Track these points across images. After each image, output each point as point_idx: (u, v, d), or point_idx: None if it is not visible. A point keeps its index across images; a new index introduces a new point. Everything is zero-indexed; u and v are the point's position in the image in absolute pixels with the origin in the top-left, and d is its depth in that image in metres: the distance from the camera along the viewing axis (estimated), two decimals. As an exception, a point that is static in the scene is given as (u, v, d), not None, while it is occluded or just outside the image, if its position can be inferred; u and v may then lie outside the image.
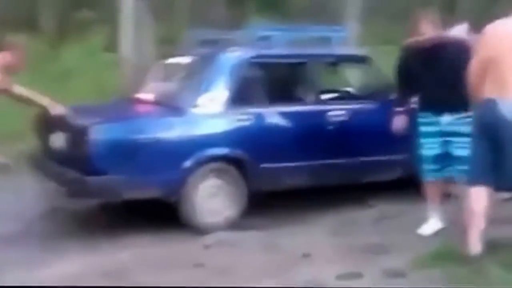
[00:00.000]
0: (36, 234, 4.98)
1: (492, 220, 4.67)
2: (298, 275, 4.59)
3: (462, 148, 5.15)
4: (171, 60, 6.73)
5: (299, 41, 6.55)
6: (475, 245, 4.53)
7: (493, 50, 4.52)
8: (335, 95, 6.90)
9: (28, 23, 14.57)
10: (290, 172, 5.94)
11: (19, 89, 5.48)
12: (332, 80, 7.37)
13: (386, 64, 6.29)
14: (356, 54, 6.77)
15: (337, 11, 12.51)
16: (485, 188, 4.60)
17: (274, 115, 6.01)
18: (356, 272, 4.61)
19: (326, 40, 6.59)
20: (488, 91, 4.54)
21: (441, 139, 5.33)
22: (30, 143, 6.95)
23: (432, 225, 5.45)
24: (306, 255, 5.00)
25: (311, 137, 6.01)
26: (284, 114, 6.05)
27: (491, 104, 4.51)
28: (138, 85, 7.01)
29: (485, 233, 4.57)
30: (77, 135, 5.42)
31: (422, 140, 5.39)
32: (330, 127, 6.10)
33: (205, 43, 6.57)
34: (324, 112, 6.14)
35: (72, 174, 5.41)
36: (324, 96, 6.47)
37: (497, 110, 4.47)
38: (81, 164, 5.36)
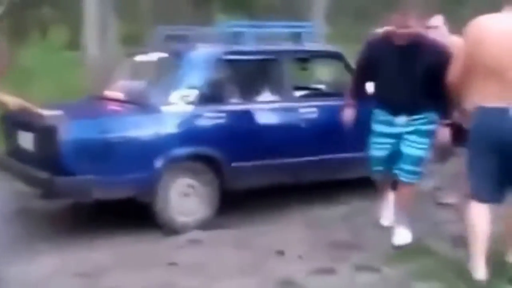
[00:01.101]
0: (6, 235, 4.86)
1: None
2: (271, 272, 4.61)
3: (412, 148, 5.02)
4: (139, 57, 6.62)
5: (269, 38, 6.51)
6: (481, 269, 4.23)
7: (495, 56, 4.13)
8: (307, 92, 6.89)
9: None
10: (263, 170, 5.91)
11: None
12: (303, 77, 7.36)
13: (352, 62, 6.31)
14: (327, 50, 6.75)
15: (302, 9, 12.57)
16: (488, 206, 4.25)
17: (246, 112, 5.99)
18: (329, 268, 4.65)
19: (296, 37, 6.55)
20: (491, 99, 4.14)
21: (393, 140, 5.10)
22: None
23: (387, 222, 5.47)
24: (279, 252, 5.01)
25: (283, 134, 6.00)
26: (256, 112, 6.03)
27: (502, 113, 4.12)
28: (104, 83, 6.89)
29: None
30: (45, 134, 5.31)
31: (374, 139, 5.20)
32: (302, 125, 6.09)
33: (171, 39, 6.48)
34: (296, 109, 6.14)
35: (41, 174, 5.31)
36: (296, 93, 6.45)
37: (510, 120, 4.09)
38: (50, 164, 5.27)
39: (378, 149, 5.18)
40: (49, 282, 4.50)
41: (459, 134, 4.72)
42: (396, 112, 5.03)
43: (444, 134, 5.00)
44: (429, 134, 5.05)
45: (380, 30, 5.29)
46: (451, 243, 5.03)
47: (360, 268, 4.64)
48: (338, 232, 5.48)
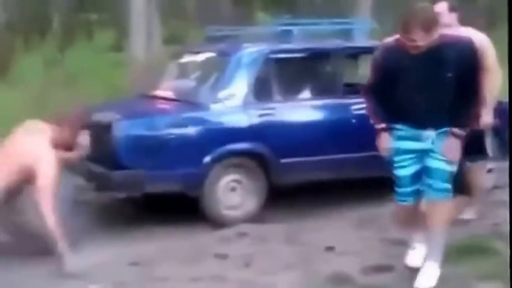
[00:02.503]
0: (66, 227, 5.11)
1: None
2: (321, 267, 4.63)
3: (441, 161, 4.29)
4: (187, 57, 6.83)
5: (318, 35, 6.61)
6: None
7: None
8: (357, 88, 6.90)
9: (37, 26, 14.76)
10: (311, 166, 6.02)
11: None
12: (353, 73, 7.28)
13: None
14: (377, 46, 6.77)
15: (346, 6, 12.61)
16: None
17: (294, 109, 6.13)
18: (384, 265, 4.55)
19: (346, 33, 6.62)
20: None
21: (418, 155, 4.37)
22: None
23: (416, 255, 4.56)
24: (329, 248, 5.03)
25: (331, 130, 6.08)
26: (304, 108, 6.17)
27: None
28: (151, 83, 7.13)
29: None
30: (102, 131, 5.55)
31: (397, 158, 4.42)
32: (352, 120, 6.14)
33: (216, 39, 6.65)
34: (346, 105, 6.20)
35: (97, 169, 5.57)
36: (346, 90, 6.48)
37: None
38: (105, 159, 5.51)
39: (402, 168, 4.42)
40: (106, 270, 4.69)
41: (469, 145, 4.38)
42: (423, 126, 4.33)
43: (455, 148, 4.27)
44: None
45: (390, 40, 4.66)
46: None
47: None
48: (390, 229, 5.21)
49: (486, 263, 4.51)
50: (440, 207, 4.30)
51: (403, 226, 4.63)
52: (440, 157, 4.26)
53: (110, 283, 4.47)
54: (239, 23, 9.08)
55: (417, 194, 4.41)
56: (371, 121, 4.53)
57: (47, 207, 4.65)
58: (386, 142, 4.44)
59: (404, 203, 4.42)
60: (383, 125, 4.44)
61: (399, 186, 4.42)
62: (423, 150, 4.31)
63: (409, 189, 4.40)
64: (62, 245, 4.70)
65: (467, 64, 4.17)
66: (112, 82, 11.06)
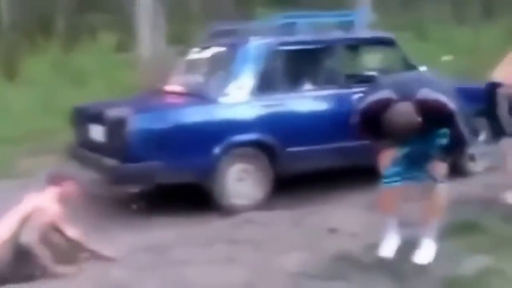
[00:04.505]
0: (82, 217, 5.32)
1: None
2: (326, 247, 4.87)
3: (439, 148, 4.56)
4: (196, 53, 7.05)
5: (320, 27, 6.76)
6: None
7: None
8: (361, 78, 6.84)
9: (42, 26, 14.93)
10: (317, 155, 6.22)
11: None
12: (357, 64, 7.52)
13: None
14: (380, 36, 6.94)
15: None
16: None
17: (300, 100, 6.36)
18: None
19: (347, 25, 6.76)
20: None
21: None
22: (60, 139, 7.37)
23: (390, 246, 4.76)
24: (332, 230, 5.30)
25: (336, 120, 6.22)
26: (309, 99, 6.40)
27: None
28: (159, 79, 7.36)
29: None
30: (115, 126, 5.79)
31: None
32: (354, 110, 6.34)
33: (222, 34, 6.81)
34: (350, 95, 6.33)
35: (111, 162, 5.80)
36: (350, 80, 6.64)
37: None
38: (119, 152, 5.75)
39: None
40: (126, 257, 4.92)
41: None
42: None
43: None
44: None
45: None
46: (502, 220, 5.23)
47: (413, 244, 4.65)
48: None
49: (474, 239, 4.80)
50: (435, 193, 4.57)
51: (386, 209, 4.77)
52: (438, 143, 4.49)
53: (133, 268, 4.70)
54: (242, 20, 9.24)
55: (404, 176, 4.60)
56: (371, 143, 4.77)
57: (63, 225, 4.77)
58: (391, 155, 4.61)
59: (390, 186, 4.63)
60: (377, 145, 4.64)
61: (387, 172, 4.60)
62: (415, 141, 4.49)
63: (396, 170, 4.59)
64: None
65: (447, 122, 4.41)
66: (119, 81, 11.27)
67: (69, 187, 4.96)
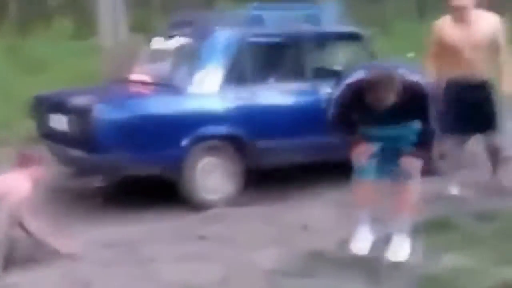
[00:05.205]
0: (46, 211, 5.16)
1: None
2: (298, 244, 4.82)
3: (405, 143, 4.59)
4: (158, 42, 6.86)
5: (289, 20, 6.60)
6: None
7: None
8: (329, 72, 6.81)
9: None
10: (287, 149, 6.13)
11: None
12: (326, 58, 7.41)
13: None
14: (350, 31, 6.87)
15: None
16: None
17: (269, 93, 6.25)
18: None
19: (315, 18, 6.68)
20: None
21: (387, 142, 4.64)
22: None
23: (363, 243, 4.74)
24: (306, 226, 5.24)
25: (305, 114, 6.17)
26: (278, 92, 6.29)
27: None
28: (123, 69, 7.15)
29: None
30: (80, 115, 5.61)
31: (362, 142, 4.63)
32: (323, 105, 6.30)
33: (185, 24, 6.64)
34: (318, 89, 6.28)
35: (76, 153, 5.64)
36: (318, 73, 6.55)
37: None
38: (84, 143, 5.58)
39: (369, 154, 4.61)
40: (89, 253, 4.75)
41: None
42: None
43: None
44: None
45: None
46: (475, 217, 5.23)
47: (386, 240, 4.66)
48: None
49: (449, 237, 4.81)
50: (407, 187, 4.57)
51: (361, 202, 4.75)
52: (407, 141, 4.49)
53: (100, 264, 4.56)
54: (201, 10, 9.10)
55: (377, 172, 4.59)
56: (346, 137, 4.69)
57: (26, 218, 4.62)
58: (366, 149, 4.56)
59: (364, 180, 4.62)
60: (357, 136, 4.57)
61: (361, 169, 4.59)
62: (389, 136, 4.53)
63: (370, 165, 4.57)
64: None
65: (422, 105, 4.44)
66: (78, 69, 11.02)
67: (40, 168, 4.82)
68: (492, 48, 5.71)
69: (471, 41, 5.62)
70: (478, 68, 5.69)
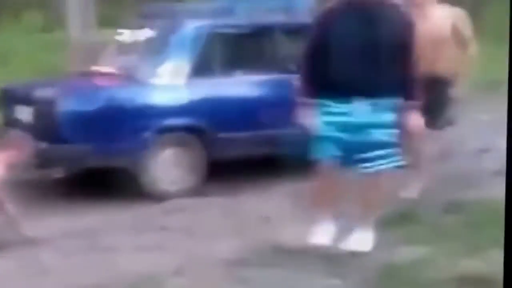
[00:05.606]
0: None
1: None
2: (259, 235, 4.83)
3: (377, 135, 4.29)
4: (126, 35, 6.84)
5: (261, 11, 6.61)
6: None
7: None
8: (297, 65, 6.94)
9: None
10: (250, 141, 6.15)
11: None
12: (296, 49, 7.43)
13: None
14: None
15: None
16: None
17: (234, 85, 6.27)
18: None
19: (288, 9, 6.67)
20: None
21: (346, 128, 4.30)
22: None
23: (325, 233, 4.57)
24: (264, 218, 5.26)
25: (270, 106, 6.19)
26: (244, 84, 6.31)
27: None
28: (90, 61, 7.16)
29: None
30: (44, 107, 5.64)
31: (325, 135, 4.33)
32: (291, 97, 6.27)
33: (154, 16, 6.67)
34: (287, 81, 6.06)
35: (39, 144, 5.61)
36: (288, 66, 6.40)
37: None
38: (47, 134, 5.61)
39: (330, 146, 4.32)
40: (50, 243, 4.76)
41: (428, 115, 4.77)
42: (353, 94, 4.23)
43: (416, 119, 4.48)
44: (397, 124, 4.40)
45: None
46: (438, 210, 5.27)
47: (348, 231, 4.61)
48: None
49: (411, 229, 4.81)
50: (379, 182, 4.43)
51: (320, 202, 4.63)
52: (380, 131, 4.26)
53: (60, 253, 4.57)
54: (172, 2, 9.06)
55: (342, 160, 4.37)
56: (299, 95, 4.50)
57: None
58: (311, 117, 4.37)
59: (323, 160, 4.36)
60: (310, 100, 4.38)
61: (322, 163, 4.37)
62: (354, 124, 4.26)
63: (332, 168, 4.37)
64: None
65: (402, 33, 4.21)
66: (46, 62, 10.96)
67: (15, 152, 4.85)
68: (458, 43, 5.54)
69: (431, 37, 5.55)
70: (440, 65, 5.59)
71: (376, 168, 4.33)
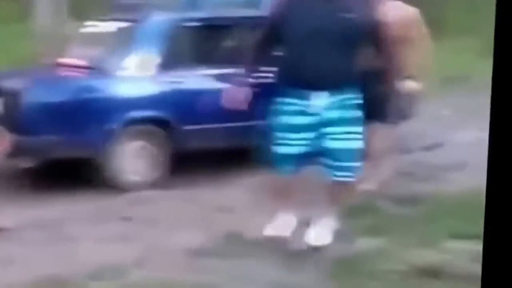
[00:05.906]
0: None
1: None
2: (220, 226, 4.91)
3: (343, 140, 4.02)
4: (94, 26, 6.91)
5: (227, 5, 6.65)
6: None
7: None
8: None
9: None
10: (215, 134, 6.20)
11: None
12: None
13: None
14: None
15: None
16: None
17: (199, 78, 6.32)
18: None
19: (253, 4, 6.65)
20: None
21: (312, 134, 4.02)
22: None
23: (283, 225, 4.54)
24: (226, 209, 5.34)
25: None
26: (209, 77, 6.34)
27: None
28: (58, 52, 7.19)
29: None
30: (10, 98, 5.68)
31: (282, 134, 4.04)
32: (256, 91, 6.31)
33: (123, 8, 6.72)
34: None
35: (9, 136, 5.65)
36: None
37: None
38: (14, 125, 5.64)
39: (289, 146, 4.05)
40: (13, 233, 4.83)
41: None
42: (313, 87, 3.91)
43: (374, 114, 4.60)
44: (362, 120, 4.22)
45: None
46: (396, 202, 5.35)
47: (306, 223, 4.65)
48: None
49: (369, 221, 4.90)
50: (346, 187, 4.31)
51: (276, 197, 4.57)
52: (341, 135, 4.04)
53: (22, 243, 4.62)
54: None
55: (298, 169, 4.23)
56: (245, 72, 4.36)
57: None
58: (245, 96, 4.22)
59: (281, 176, 4.27)
60: (252, 80, 4.19)
61: (278, 163, 4.17)
62: (315, 125, 4.04)
63: (290, 167, 4.17)
64: None
65: (365, 18, 4.00)
66: (14, 52, 10.91)
67: None
68: (412, 39, 5.43)
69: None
70: (392, 59, 5.54)
71: (339, 178, 4.20)
